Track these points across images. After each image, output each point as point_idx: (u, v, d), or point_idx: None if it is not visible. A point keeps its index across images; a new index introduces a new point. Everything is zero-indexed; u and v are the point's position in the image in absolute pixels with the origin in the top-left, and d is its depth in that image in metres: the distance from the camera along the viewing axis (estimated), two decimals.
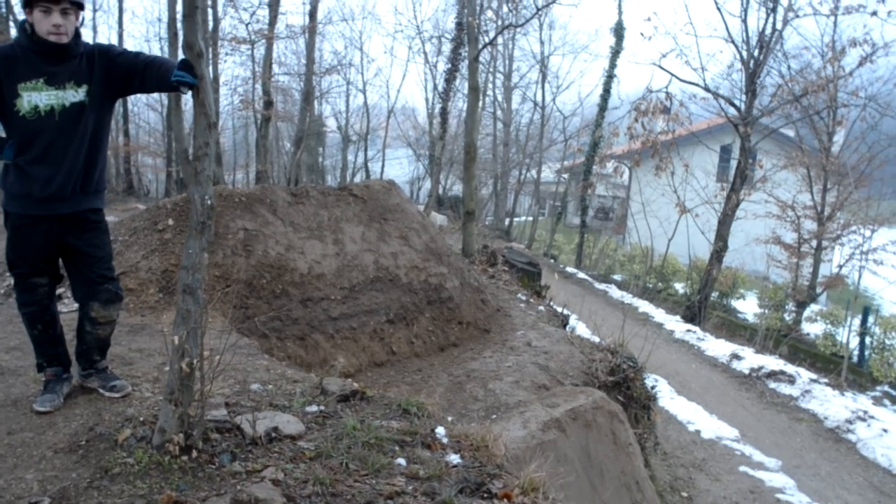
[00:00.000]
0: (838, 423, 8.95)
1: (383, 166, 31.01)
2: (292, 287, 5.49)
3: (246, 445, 2.75)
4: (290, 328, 5.38)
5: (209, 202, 2.65)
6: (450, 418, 4.55)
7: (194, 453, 2.56)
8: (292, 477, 2.51)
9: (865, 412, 9.04)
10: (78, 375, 3.31)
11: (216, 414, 2.91)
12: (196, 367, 2.62)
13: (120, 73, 3.00)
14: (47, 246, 3.05)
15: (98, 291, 3.10)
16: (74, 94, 2.94)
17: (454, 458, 2.90)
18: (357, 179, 33.38)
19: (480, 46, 7.89)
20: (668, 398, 9.55)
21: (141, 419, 2.89)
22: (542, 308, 7.89)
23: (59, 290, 3.46)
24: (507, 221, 28.57)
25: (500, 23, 18.07)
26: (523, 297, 8.00)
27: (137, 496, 2.33)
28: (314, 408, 3.21)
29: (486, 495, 2.64)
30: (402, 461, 2.77)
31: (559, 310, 8.37)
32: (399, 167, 34.80)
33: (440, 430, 3.17)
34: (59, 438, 2.76)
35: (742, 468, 7.79)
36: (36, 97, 2.87)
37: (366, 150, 30.32)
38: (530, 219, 29.17)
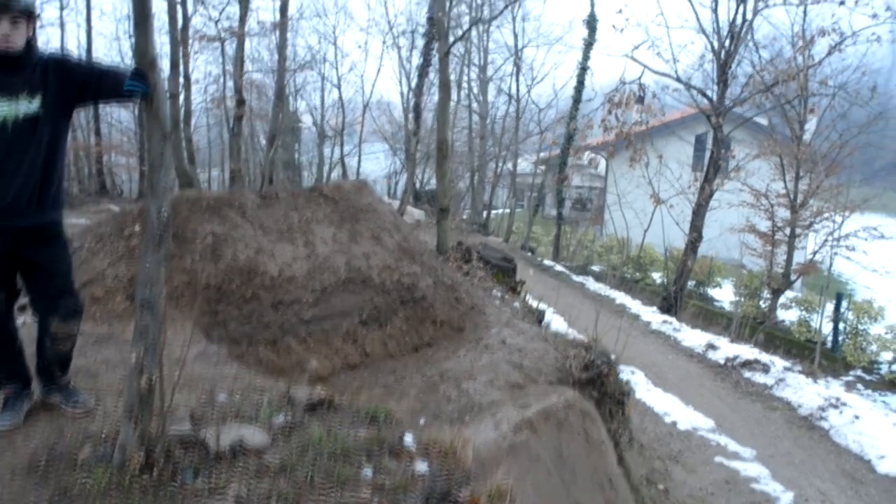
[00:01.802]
0: (811, 410, 9.07)
1: (360, 161, 30.90)
2: (263, 291, 5.44)
3: (210, 461, 2.71)
4: (261, 332, 5.33)
5: (166, 215, 2.60)
6: (422, 421, 4.54)
7: (155, 472, 2.53)
8: (256, 493, 2.49)
9: (838, 399, 9.17)
10: (40, 391, 3.25)
11: (179, 428, 2.87)
12: (155, 384, 2.58)
13: (75, 83, 2.93)
14: (4, 260, 2.98)
15: (57, 306, 3.04)
16: (28, 106, 2.87)
17: (422, 467, 2.89)
18: (334, 174, 33.25)
19: (451, 42, 7.85)
20: (645, 390, 9.62)
21: (103, 436, 2.84)
22: (517, 304, 7.89)
23: (24, 301, 3.39)
24: (484, 214, 28.58)
25: (472, 16, 18.03)
26: (498, 294, 7.99)
27: None
28: (281, 418, 3.17)
29: None
30: (368, 472, 2.75)
31: (535, 305, 8.39)
32: (376, 162, 34.69)
33: (408, 438, 3.15)
34: (18, 459, 2.70)
35: (717, 459, 7.87)
36: None
37: (342, 145, 30.17)
38: (507, 211, 29.21)
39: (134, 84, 2.57)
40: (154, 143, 2.62)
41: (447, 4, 8.89)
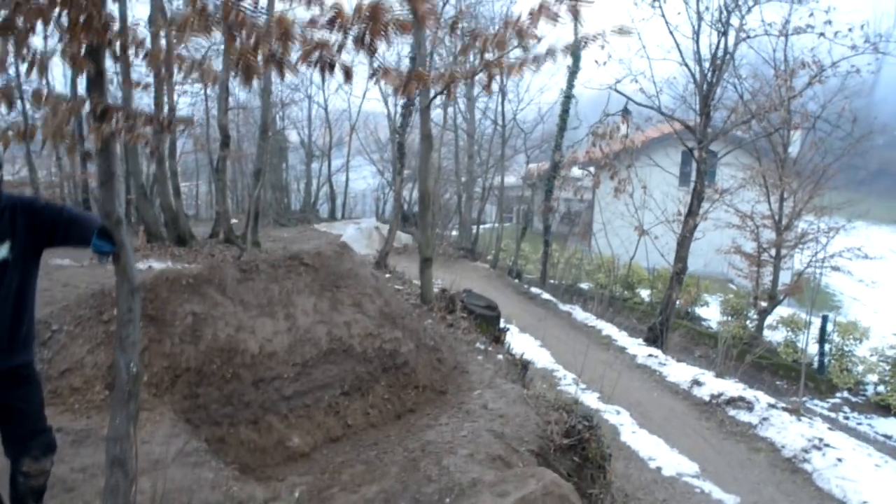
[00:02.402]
0: (795, 451, 9.13)
1: (347, 181, 30.88)
2: (243, 369, 5.45)
3: None
4: (242, 412, 5.35)
5: (135, 370, 2.62)
6: None
7: None
8: None
9: (821, 440, 9.23)
10: None
11: None
12: None
13: (44, 227, 2.94)
14: None
15: (29, 448, 3.05)
16: None
17: None
18: (322, 192, 33.23)
19: (432, 96, 7.91)
20: (630, 432, 9.66)
21: None
22: (500, 357, 7.92)
23: None
24: (473, 231, 28.59)
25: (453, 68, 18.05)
26: (482, 346, 8.03)
27: None
28: None
29: None
30: None
31: (519, 354, 8.43)
32: (363, 182, 34.72)
33: None
34: None
35: None
36: None
37: (329, 165, 30.17)
38: (496, 225, 29.26)
39: (100, 245, 2.59)
40: (122, 297, 2.64)
41: (426, 61, 8.95)
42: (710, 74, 13.26)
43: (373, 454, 5.58)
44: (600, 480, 6.18)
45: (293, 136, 33.18)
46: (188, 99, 21.44)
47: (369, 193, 36.90)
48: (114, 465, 2.59)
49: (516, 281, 19.79)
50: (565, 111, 18.96)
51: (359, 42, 2.23)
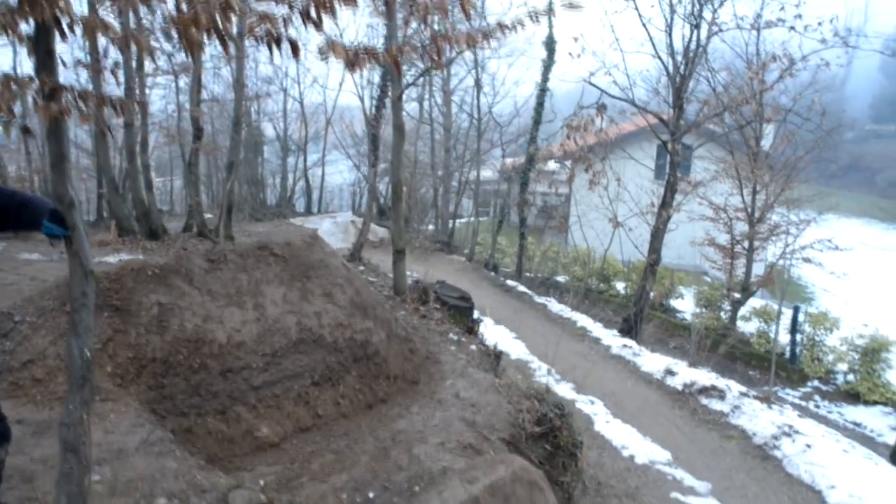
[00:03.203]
0: (766, 439, 9.24)
1: (323, 175, 30.71)
2: (211, 359, 5.40)
3: None
4: (209, 402, 5.29)
5: (88, 356, 2.58)
6: (371, 495, 4.57)
7: None
8: None
9: (791, 427, 9.35)
10: None
11: None
12: None
13: None
14: None
15: None
16: None
17: None
18: (298, 186, 33.02)
19: (404, 86, 7.87)
20: (604, 421, 9.72)
21: None
22: (473, 347, 7.93)
23: None
24: (450, 224, 28.58)
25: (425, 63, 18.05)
26: (454, 337, 8.02)
27: None
28: None
29: None
30: None
31: (492, 345, 8.44)
32: (339, 176, 34.56)
33: None
34: None
35: (673, 494, 7.98)
36: None
37: (305, 160, 29.97)
38: (472, 219, 29.29)
39: (51, 227, 2.54)
40: (76, 281, 2.59)
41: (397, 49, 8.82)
42: (682, 67, 13.35)
43: (343, 444, 5.55)
44: (572, 468, 6.20)
45: (269, 131, 32.96)
46: (161, 91, 21.16)
47: (346, 188, 36.76)
48: (67, 451, 2.54)
49: (492, 274, 19.81)
50: (540, 104, 19.00)
51: (305, 16, 2.20)
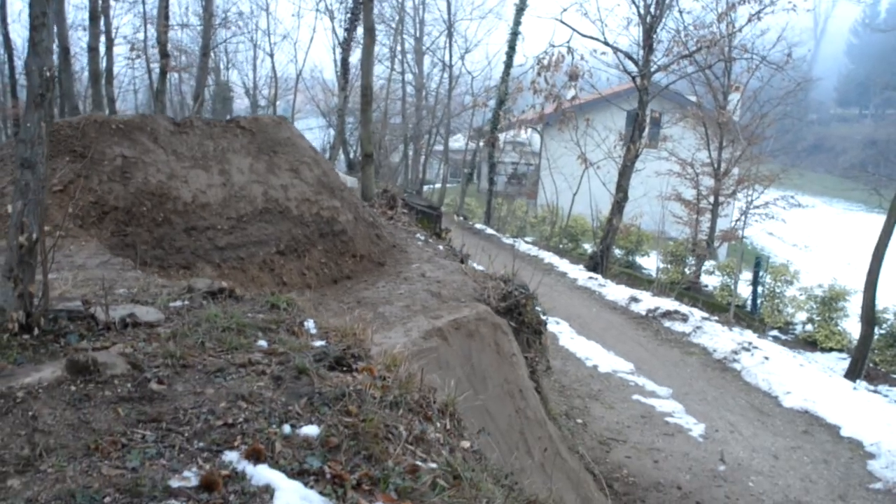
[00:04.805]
0: (725, 354, 9.44)
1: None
2: (175, 215, 5.33)
3: (98, 329, 2.65)
4: (173, 256, 5.23)
5: (48, 74, 2.52)
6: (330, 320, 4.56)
7: (36, 331, 2.46)
8: (143, 352, 2.45)
9: (750, 343, 9.57)
10: None
11: (69, 304, 2.80)
12: (36, 243, 2.50)
13: None
14: None
15: None
16: None
17: (319, 343, 2.88)
18: None
19: None
20: (569, 338, 9.84)
21: None
22: (441, 247, 7.94)
23: None
24: (419, 185, 28.52)
25: None
26: (421, 238, 8.03)
27: None
28: (178, 302, 3.13)
29: (345, 369, 2.63)
30: (263, 343, 2.73)
31: (458, 248, 8.46)
32: (311, 135, 34.17)
33: (309, 323, 3.15)
34: None
35: (635, 397, 8.13)
36: None
37: (275, 114, 29.55)
38: (440, 185, 29.25)
39: None
40: (36, 2, 2.53)
41: None
42: (653, 7, 13.41)
43: (307, 305, 5.53)
44: (536, 345, 6.27)
45: (239, 89, 32.45)
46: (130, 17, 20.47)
47: (317, 147, 36.33)
48: (24, 166, 2.49)
49: (462, 219, 19.84)
50: (512, 48, 18.97)
51: None
